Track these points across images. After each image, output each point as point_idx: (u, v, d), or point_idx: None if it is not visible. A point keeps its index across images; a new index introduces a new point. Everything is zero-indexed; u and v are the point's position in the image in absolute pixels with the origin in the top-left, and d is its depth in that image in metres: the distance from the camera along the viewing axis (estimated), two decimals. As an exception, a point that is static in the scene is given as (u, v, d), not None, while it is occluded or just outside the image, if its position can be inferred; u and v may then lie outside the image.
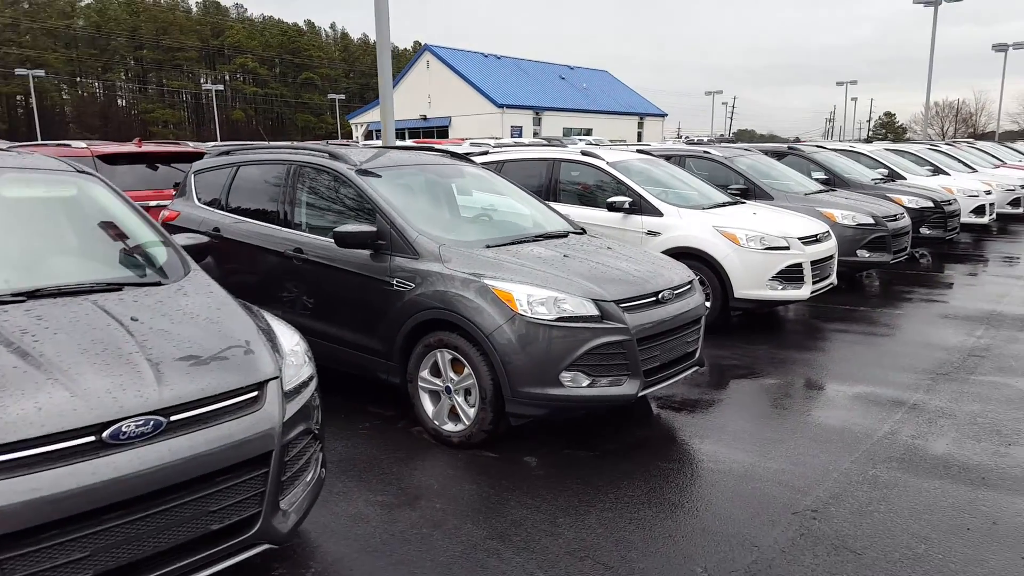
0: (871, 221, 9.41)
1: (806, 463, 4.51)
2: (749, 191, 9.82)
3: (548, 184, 8.64)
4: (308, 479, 3.22)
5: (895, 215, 9.99)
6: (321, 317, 5.40)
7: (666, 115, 64.25)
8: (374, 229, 4.99)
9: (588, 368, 4.46)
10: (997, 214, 15.66)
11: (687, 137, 52.58)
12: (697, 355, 5.22)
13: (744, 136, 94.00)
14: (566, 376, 4.43)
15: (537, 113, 51.33)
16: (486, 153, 9.53)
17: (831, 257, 7.99)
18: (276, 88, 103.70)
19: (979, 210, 14.14)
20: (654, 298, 4.79)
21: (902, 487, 4.16)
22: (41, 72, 56.55)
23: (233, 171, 6.45)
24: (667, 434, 5.06)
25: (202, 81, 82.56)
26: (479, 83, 50.42)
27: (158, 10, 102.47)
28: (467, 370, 4.60)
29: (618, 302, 4.56)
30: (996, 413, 5.28)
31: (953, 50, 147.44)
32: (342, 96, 71.34)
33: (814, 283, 7.60)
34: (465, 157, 6.57)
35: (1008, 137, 55.56)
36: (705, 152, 10.57)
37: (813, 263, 7.53)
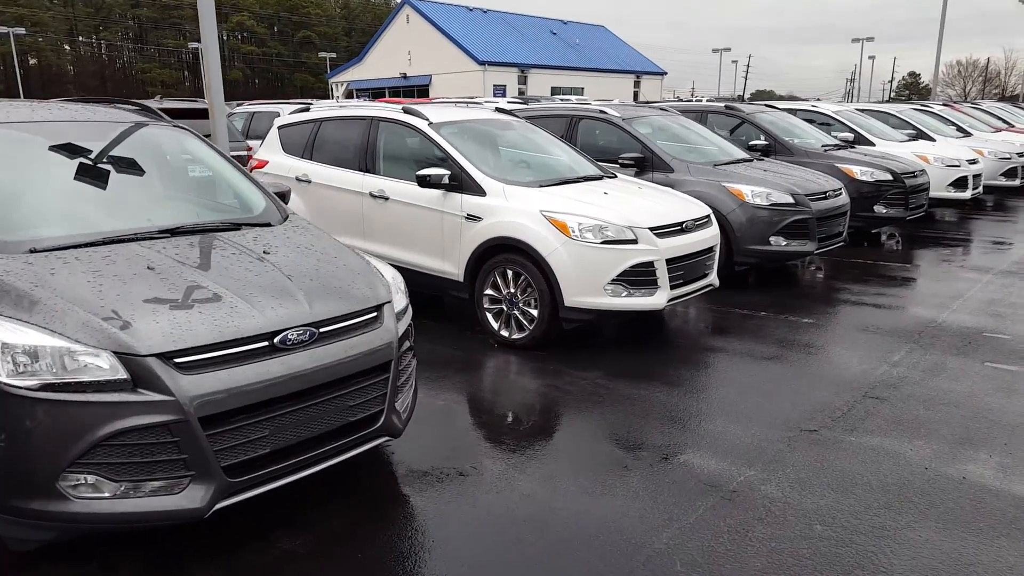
0: (789, 200, 7.40)
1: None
2: (646, 160, 7.88)
3: (365, 149, 6.72)
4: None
5: (825, 192, 7.95)
6: None
7: (665, 73, 60.65)
8: None
9: (111, 469, 2.64)
10: (987, 187, 13.49)
11: (698, 98, 49.88)
12: (382, 421, 3.35)
13: (762, 96, 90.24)
14: (74, 482, 2.62)
15: (523, 71, 48.31)
16: (307, 109, 7.59)
17: (709, 251, 6.01)
18: (274, 47, 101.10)
19: (960, 182, 11.97)
20: (267, 343, 2.93)
21: None
22: (21, 30, 54.06)
23: None
24: (321, 556, 3.23)
25: (200, 42, 79.69)
26: (460, 39, 47.41)
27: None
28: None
29: (172, 355, 2.70)
30: (848, 516, 3.38)
31: (986, 6, 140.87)
32: (333, 55, 68.57)
33: (678, 286, 5.67)
34: (146, 108, 4.62)
35: (1039, 99, 52.45)
36: (601, 112, 8.57)
37: (673, 261, 5.58)
